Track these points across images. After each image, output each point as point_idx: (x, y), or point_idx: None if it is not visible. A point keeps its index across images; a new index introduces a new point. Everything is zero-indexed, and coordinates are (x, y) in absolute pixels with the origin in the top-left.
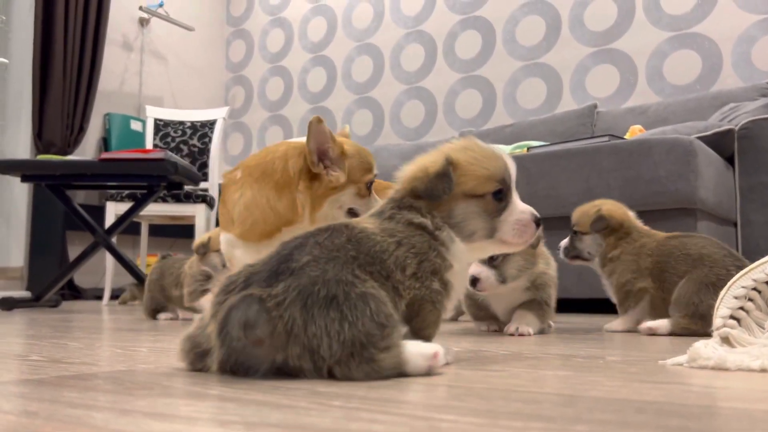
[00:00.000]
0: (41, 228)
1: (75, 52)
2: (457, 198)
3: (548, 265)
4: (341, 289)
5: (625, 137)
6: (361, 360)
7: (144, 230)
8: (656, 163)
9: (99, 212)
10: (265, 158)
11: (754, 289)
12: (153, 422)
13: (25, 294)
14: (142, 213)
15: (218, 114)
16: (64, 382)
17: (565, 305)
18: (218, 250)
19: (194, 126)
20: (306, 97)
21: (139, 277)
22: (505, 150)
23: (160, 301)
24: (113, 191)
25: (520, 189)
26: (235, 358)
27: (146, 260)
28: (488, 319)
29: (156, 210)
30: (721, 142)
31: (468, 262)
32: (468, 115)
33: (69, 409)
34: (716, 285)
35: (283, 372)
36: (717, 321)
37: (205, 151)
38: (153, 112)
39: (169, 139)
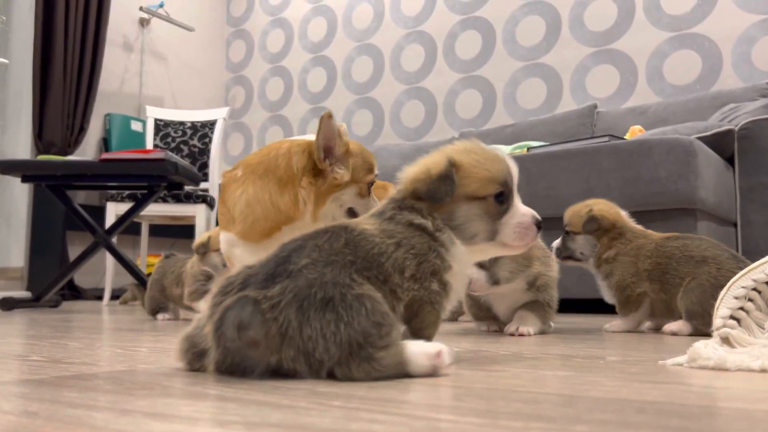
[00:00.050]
0: (41, 228)
1: (75, 53)
2: (458, 200)
3: (548, 266)
4: (338, 291)
5: (625, 137)
6: (361, 360)
7: (144, 230)
8: (656, 164)
9: (99, 212)
10: (267, 155)
11: (754, 289)
12: (153, 422)
13: (25, 294)
14: (142, 213)
15: (218, 114)
16: (65, 383)
17: (565, 305)
18: (218, 250)
19: (194, 126)
20: (306, 97)
21: (140, 278)
22: (505, 150)
23: (161, 301)
24: (113, 191)
25: (520, 189)
26: (231, 359)
27: (146, 260)
28: (489, 319)
29: (156, 210)
30: (721, 143)
31: (468, 264)
32: (468, 116)
33: (69, 409)
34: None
35: (283, 372)
36: (717, 321)
37: (205, 152)
38: (153, 113)
39: (169, 140)
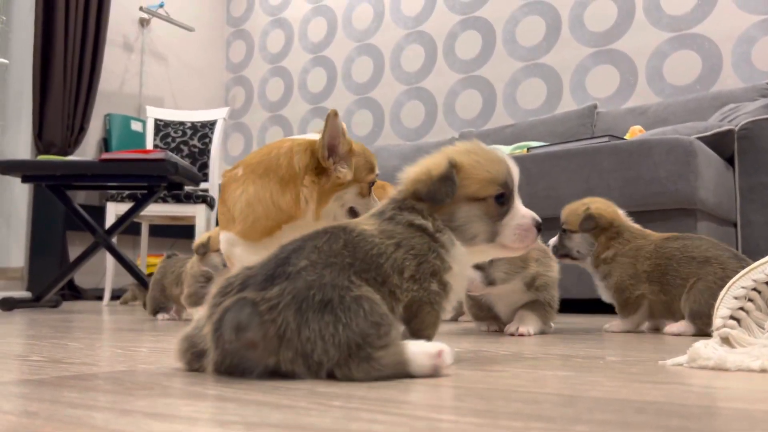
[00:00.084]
0: (41, 228)
1: (75, 53)
2: (459, 201)
3: (547, 266)
4: (336, 293)
5: (625, 138)
6: (360, 360)
7: (144, 230)
8: (656, 164)
9: (99, 213)
10: (268, 154)
11: (754, 289)
12: (153, 422)
13: (25, 294)
14: (142, 213)
15: (218, 114)
16: (65, 383)
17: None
18: (218, 250)
19: (194, 126)
20: (306, 97)
21: (140, 278)
22: (505, 150)
23: (161, 301)
24: (113, 192)
25: (520, 190)
26: (229, 360)
27: (146, 260)
28: (489, 319)
29: (156, 210)
30: (721, 143)
31: (468, 265)
32: (468, 116)
33: (69, 409)
34: None
35: (281, 373)
36: (717, 321)
37: (205, 152)
38: (153, 113)
39: (169, 140)
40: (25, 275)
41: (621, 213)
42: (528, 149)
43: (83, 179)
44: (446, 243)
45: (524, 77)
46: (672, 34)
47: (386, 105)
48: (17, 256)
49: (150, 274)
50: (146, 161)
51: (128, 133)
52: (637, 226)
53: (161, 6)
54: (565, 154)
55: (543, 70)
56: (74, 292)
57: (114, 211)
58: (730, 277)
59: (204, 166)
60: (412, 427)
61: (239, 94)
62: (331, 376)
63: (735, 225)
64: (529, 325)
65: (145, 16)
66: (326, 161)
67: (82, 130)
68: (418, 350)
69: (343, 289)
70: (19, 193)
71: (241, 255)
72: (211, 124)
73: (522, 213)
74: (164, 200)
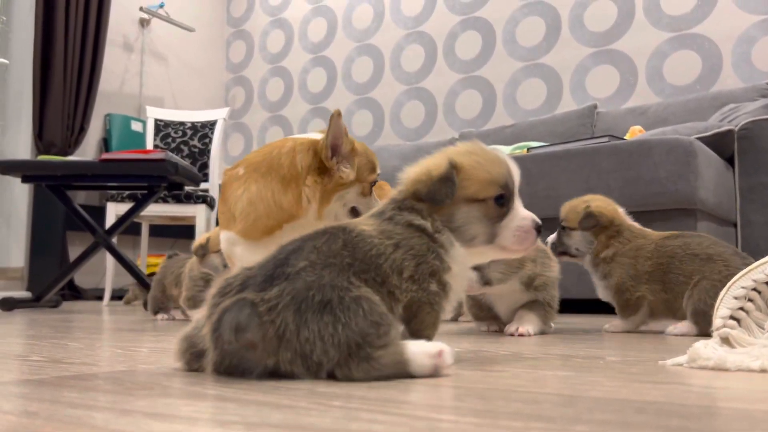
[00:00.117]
0: (42, 228)
1: (75, 53)
2: (458, 202)
3: (546, 266)
4: (336, 294)
5: (625, 138)
6: (360, 360)
7: (144, 231)
8: (656, 164)
9: (99, 213)
10: (270, 153)
11: (754, 289)
12: (153, 422)
13: (25, 294)
14: (142, 213)
15: (218, 114)
16: (65, 383)
17: (565, 305)
18: (218, 251)
19: (195, 126)
20: (306, 97)
21: (140, 278)
22: (505, 151)
23: (161, 301)
24: (114, 192)
25: (520, 190)
26: (228, 361)
27: (147, 260)
28: (490, 319)
29: (156, 210)
30: (721, 143)
31: (468, 266)
32: (468, 116)
33: (69, 409)
34: None
35: (281, 373)
36: (717, 321)
37: (205, 152)
38: (153, 113)
39: (169, 140)
40: (25, 275)
41: (621, 211)
42: (528, 149)
43: (83, 179)
44: (445, 243)
45: (524, 77)
46: (672, 34)
47: (386, 105)
48: (17, 256)
49: (150, 274)
50: (146, 161)
51: (128, 134)
52: (636, 224)
53: (161, 6)
54: (565, 155)
55: (543, 70)
56: (74, 292)
57: (114, 211)
58: (734, 274)
59: (204, 167)
60: (412, 427)
61: (239, 95)
62: (331, 377)
63: (735, 225)
64: (528, 325)
65: (146, 16)
66: (329, 161)
67: (83, 130)
68: (418, 350)
69: (342, 290)
70: (19, 193)
71: (242, 254)
72: (211, 125)
73: (522, 215)
74: (164, 200)
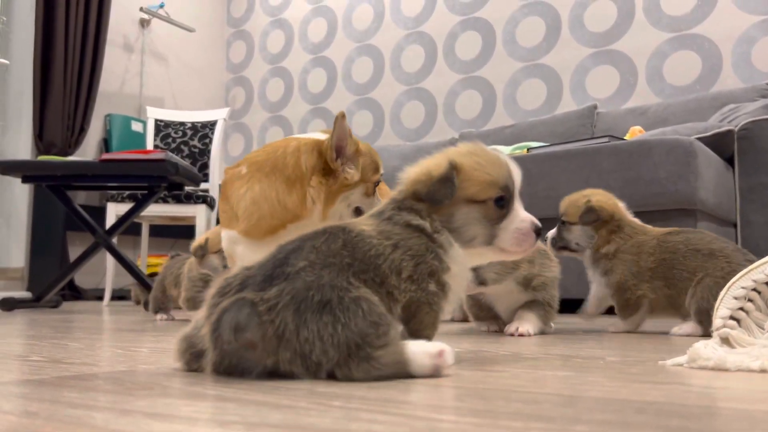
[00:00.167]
0: (42, 229)
1: (76, 53)
2: (458, 202)
3: (545, 266)
4: (335, 294)
5: (625, 138)
6: (359, 360)
7: (145, 231)
8: (656, 164)
9: (100, 213)
10: (274, 153)
11: (754, 289)
12: (153, 422)
13: (25, 294)
14: (142, 214)
15: (219, 115)
16: (65, 383)
17: (566, 305)
18: (217, 252)
19: (195, 127)
20: (306, 98)
21: (140, 278)
22: (505, 151)
23: (162, 301)
24: (114, 192)
25: (520, 191)
26: (228, 361)
27: (147, 261)
28: (490, 319)
29: (156, 211)
30: (720, 143)
31: (467, 266)
32: (468, 116)
33: (69, 409)
34: None
35: (281, 373)
36: (717, 321)
37: (205, 152)
38: (154, 113)
39: (169, 140)
40: (26, 275)
41: (621, 206)
42: (528, 150)
43: (83, 179)
44: (444, 244)
45: (524, 78)
46: (672, 35)
47: (386, 105)
48: (17, 257)
49: (150, 275)
50: (146, 162)
51: (128, 134)
52: (636, 220)
53: (161, 6)
54: (565, 155)
55: (543, 70)
56: (74, 293)
57: (114, 211)
58: (737, 271)
59: (204, 167)
60: (412, 427)
61: (239, 95)
62: (331, 377)
63: (735, 225)
64: (528, 325)
65: (146, 16)
66: (334, 162)
67: (83, 130)
68: (418, 350)
69: (341, 290)
70: (20, 193)
71: (243, 253)
72: (212, 125)
73: (521, 217)
74: (164, 200)
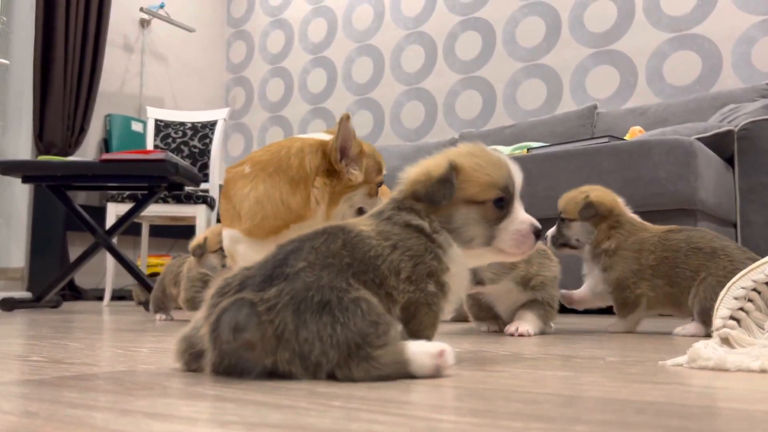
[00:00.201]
0: (42, 229)
1: (76, 53)
2: (457, 203)
3: (544, 266)
4: (335, 295)
5: (625, 138)
6: (360, 360)
7: (145, 231)
8: (656, 164)
9: (100, 213)
10: (278, 153)
11: (754, 290)
12: (153, 422)
13: (25, 295)
14: (142, 214)
15: (219, 115)
16: (65, 383)
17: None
18: (216, 251)
19: (195, 127)
20: (306, 98)
21: (140, 278)
22: (505, 151)
23: (162, 300)
24: (114, 192)
25: (520, 192)
26: (227, 361)
27: (147, 261)
28: (490, 319)
29: (157, 211)
30: (720, 143)
31: (466, 266)
32: (468, 116)
33: (69, 409)
34: None
35: (280, 373)
36: (717, 322)
37: (205, 152)
38: (154, 113)
39: (169, 140)
40: (26, 275)
41: (620, 201)
42: (528, 150)
43: (83, 180)
44: (443, 244)
45: (524, 78)
46: (672, 35)
47: (386, 105)
48: (17, 257)
49: (150, 275)
50: (146, 162)
51: (129, 134)
52: (636, 217)
53: (161, 7)
54: (565, 155)
55: (543, 70)
56: (75, 293)
57: (114, 211)
58: (739, 270)
59: (204, 167)
60: (412, 428)
61: (239, 95)
62: (331, 377)
63: (735, 225)
64: (528, 325)
65: (146, 16)
66: (339, 164)
67: (83, 130)
68: (419, 350)
69: (341, 291)
70: (20, 193)
71: (245, 252)
72: (212, 125)
73: (521, 218)
74: (165, 201)
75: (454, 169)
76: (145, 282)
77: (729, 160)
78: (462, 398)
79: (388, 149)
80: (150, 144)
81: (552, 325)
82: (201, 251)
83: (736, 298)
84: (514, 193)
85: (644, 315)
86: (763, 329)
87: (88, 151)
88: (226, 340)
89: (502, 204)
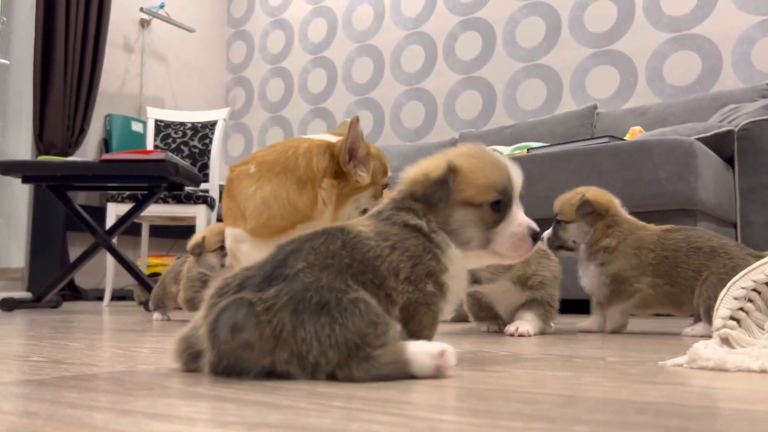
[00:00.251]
0: (42, 229)
1: (76, 54)
2: (455, 204)
3: (543, 266)
4: (333, 295)
5: (625, 138)
6: (359, 360)
7: (145, 231)
8: (656, 165)
9: (100, 213)
10: (284, 153)
11: (754, 290)
12: (153, 423)
13: (25, 295)
14: (142, 214)
15: (219, 115)
16: (65, 383)
17: (566, 305)
18: (215, 250)
19: (195, 127)
20: (306, 98)
21: (140, 278)
22: (504, 151)
23: (162, 299)
24: (114, 192)
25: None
26: (225, 361)
27: (147, 261)
28: (490, 319)
29: (157, 211)
30: (720, 143)
31: (465, 267)
32: (468, 117)
33: (69, 409)
34: None
35: (278, 374)
36: (717, 322)
37: (205, 152)
38: (154, 113)
39: (169, 140)
40: (26, 276)
41: (616, 201)
42: (528, 150)
43: (84, 180)
44: (441, 244)
45: (524, 78)
46: (672, 35)
47: (386, 105)
48: (18, 257)
49: (150, 275)
50: (147, 162)
51: (129, 134)
52: (632, 217)
53: (162, 7)
54: (564, 155)
55: (543, 70)
56: (75, 293)
57: (114, 211)
58: (740, 266)
59: (204, 167)
60: (412, 428)
61: (239, 95)
62: (331, 377)
63: (735, 225)
64: (528, 325)
65: (146, 16)
66: (347, 165)
67: (83, 130)
68: (419, 350)
69: (340, 292)
70: (20, 193)
71: (248, 252)
72: (212, 125)
73: (519, 221)
74: (165, 201)
75: (452, 170)
76: (145, 282)
77: (729, 161)
78: (462, 398)
79: (388, 149)
80: (150, 144)
81: (552, 324)
82: (199, 250)
83: (736, 299)
84: (513, 196)
85: (632, 312)
86: (763, 329)
87: (88, 152)
88: (225, 340)
89: (499, 207)
